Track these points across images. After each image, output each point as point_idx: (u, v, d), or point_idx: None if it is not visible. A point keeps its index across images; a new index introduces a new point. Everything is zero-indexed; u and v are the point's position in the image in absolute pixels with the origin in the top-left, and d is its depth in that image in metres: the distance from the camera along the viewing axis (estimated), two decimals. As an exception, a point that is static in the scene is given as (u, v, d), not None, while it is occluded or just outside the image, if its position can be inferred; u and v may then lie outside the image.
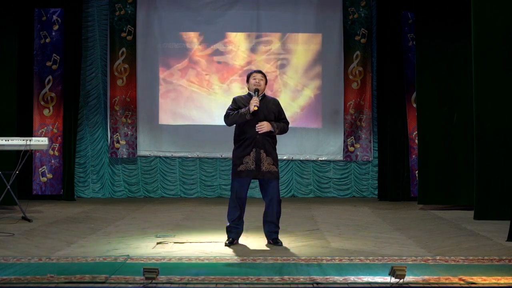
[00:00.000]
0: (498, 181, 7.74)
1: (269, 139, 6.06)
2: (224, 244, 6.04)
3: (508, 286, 4.38)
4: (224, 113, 6.12)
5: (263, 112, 6.02)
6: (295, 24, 10.89)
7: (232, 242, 6.07)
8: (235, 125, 6.14)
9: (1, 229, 6.90)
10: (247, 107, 5.96)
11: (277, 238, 6.10)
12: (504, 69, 7.74)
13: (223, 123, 6.25)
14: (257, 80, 6.07)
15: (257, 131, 5.95)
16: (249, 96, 6.12)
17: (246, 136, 6.01)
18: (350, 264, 5.12)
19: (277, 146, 6.10)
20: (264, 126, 5.97)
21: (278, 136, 6.22)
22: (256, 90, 6.03)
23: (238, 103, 6.10)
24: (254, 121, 5.97)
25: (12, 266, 5.00)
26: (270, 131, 6.02)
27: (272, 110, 6.11)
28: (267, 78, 6.29)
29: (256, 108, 5.91)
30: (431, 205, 9.02)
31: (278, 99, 6.44)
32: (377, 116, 10.68)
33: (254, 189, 9.59)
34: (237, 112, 5.99)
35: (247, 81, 6.20)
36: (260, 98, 6.02)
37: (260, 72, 6.18)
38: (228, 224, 6.14)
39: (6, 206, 8.59)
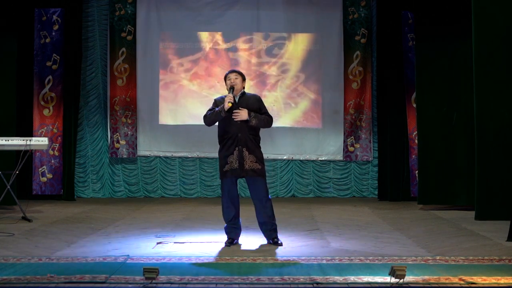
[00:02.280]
0: (498, 181, 7.74)
1: (251, 137, 6.02)
2: (224, 244, 6.04)
3: (508, 286, 4.38)
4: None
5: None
6: (295, 24, 10.88)
7: (232, 242, 6.07)
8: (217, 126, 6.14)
9: (1, 229, 6.90)
10: (221, 105, 5.95)
11: (276, 237, 6.11)
12: (505, 69, 7.74)
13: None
14: (232, 80, 6.07)
15: (234, 119, 5.91)
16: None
17: (229, 136, 6.02)
18: (350, 264, 5.12)
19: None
20: (240, 114, 5.92)
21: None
22: (231, 88, 6.02)
23: (218, 103, 6.10)
24: (229, 115, 5.95)
25: (12, 266, 5.00)
26: (247, 120, 5.95)
27: (252, 107, 6.05)
28: (244, 75, 6.24)
29: (230, 105, 5.89)
30: (431, 205, 9.02)
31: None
32: (377, 116, 10.68)
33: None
34: (213, 111, 6.01)
35: (225, 82, 6.18)
36: (238, 96, 6.03)
37: (234, 71, 6.16)
38: (226, 225, 6.15)
39: (6, 206, 8.59)
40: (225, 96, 6.10)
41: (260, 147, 6.11)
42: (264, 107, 6.20)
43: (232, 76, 6.08)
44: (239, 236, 6.18)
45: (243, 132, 5.97)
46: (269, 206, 6.05)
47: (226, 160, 6.02)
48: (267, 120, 6.09)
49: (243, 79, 6.16)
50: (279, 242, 6.06)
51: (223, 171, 6.05)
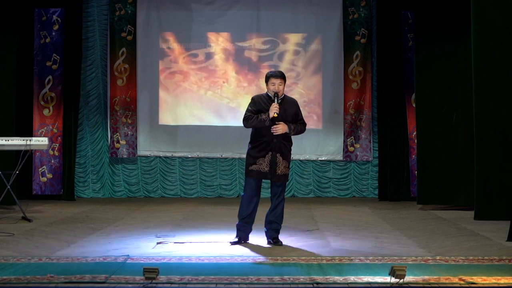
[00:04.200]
0: (498, 181, 7.74)
1: (286, 143, 6.09)
2: (229, 243, 6.07)
3: (508, 286, 4.38)
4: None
5: (282, 115, 6.01)
6: (295, 24, 10.89)
7: (238, 241, 6.09)
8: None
9: (1, 229, 6.90)
10: (267, 113, 5.96)
11: (277, 237, 6.12)
12: (504, 69, 7.75)
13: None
14: (276, 86, 6.04)
15: (273, 133, 5.96)
16: (268, 97, 6.10)
17: (263, 139, 6.03)
18: (350, 264, 5.12)
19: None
20: (279, 128, 5.97)
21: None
22: (276, 95, 6.01)
23: (257, 105, 6.08)
24: (272, 125, 5.99)
25: (12, 266, 5.00)
26: (286, 133, 6.03)
27: (290, 112, 6.10)
28: (286, 78, 6.19)
29: (276, 115, 5.93)
30: (431, 205, 9.02)
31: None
32: (377, 116, 10.68)
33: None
34: (256, 117, 6.00)
35: (266, 81, 6.14)
36: (279, 101, 6.01)
37: (279, 76, 6.08)
38: (238, 222, 6.17)
39: (6, 206, 8.59)
40: (263, 96, 6.14)
41: (291, 152, 6.19)
42: (301, 112, 6.25)
43: (277, 82, 6.04)
44: (248, 235, 6.19)
45: (278, 138, 6.02)
46: (281, 206, 6.12)
47: (255, 160, 6.03)
48: (302, 129, 6.19)
49: (285, 83, 6.15)
50: (278, 242, 6.07)
51: (248, 170, 6.07)
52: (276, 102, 5.96)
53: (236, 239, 6.11)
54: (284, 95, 6.17)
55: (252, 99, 6.19)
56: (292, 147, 6.25)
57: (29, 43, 9.98)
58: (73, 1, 10.28)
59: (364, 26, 10.74)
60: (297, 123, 6.14)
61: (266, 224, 6.18)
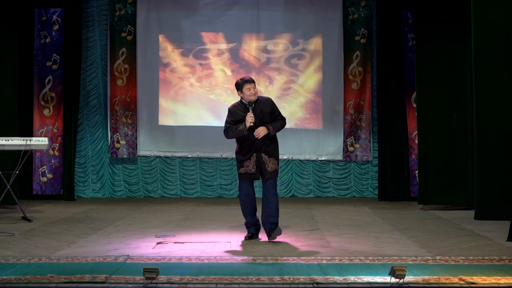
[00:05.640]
0: (498, 181, 7.74)
1: (268, 142, 6.25)
2: (244, 238, 6.31)
3: (508, 286, 4.38)
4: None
5: (258, 117, 6.21)
6: (295, 24, 10.88)
7: (251, 237, 6.33)
8: None
9: (1, 229, 6.90)
10: (243, 124, 6.14)
11: (273, 230, 6.23)
12: (504, 69, 7.75)
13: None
14: (252, 90, 6.21)
15: (257, 138, 6.14)
16: (243, 105, 6.27)
17: (246, 143, 6.24)
18: (350, 264, 5.12)
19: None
20: (261, 132, 6.14)
21: (277, 136, 6.38)
22: (250, 105, 6.19)
23: (234, 115, 6.27)
24: (251, 133, 6.17)
25: (12, 266, 5.01)
26: (267, 134, 6.18)
27: (266, 111, 6.27)
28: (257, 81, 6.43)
29: (252, 124, 6.10)
30: (431, 205, 9.02)
31: (275, 98, 6.55)
32: (377, 116, 10.67)
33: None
34: (235, 128, 6.20)
35: (240, 89, 6.26)
36: (252, 106, 6.19)
37: (252, 81, 6.28)
38: (245, 221, 6.41)
39: (6, 206, 8.59)
40: (238, 104, 6.29)
41: (277, 148, 6.36)
42: (277, 108, 6.43)
43: (252, 86, 6.21)
44: (258, 231, 6.41)
45: (260, 139, 6.18)
46: (276, 201, 6.27)
47: (242, 163, 6.26)
48: (282, 124, 6.38)
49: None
50: (276, 228, 6.20)
51: (239, 173, 6.33)
52: (250, 112, 6.14)
53: (249, 235, 6.34)
54: (258, 96, 6.32)
55: (229, 110, 6.37)
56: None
57: (29, 43, 9.98)
58: (73, 1, 10.27)
59: (364, 26, 10.73)
60: (275, 120, 6.30)
61: (263, 220, 6.31)
